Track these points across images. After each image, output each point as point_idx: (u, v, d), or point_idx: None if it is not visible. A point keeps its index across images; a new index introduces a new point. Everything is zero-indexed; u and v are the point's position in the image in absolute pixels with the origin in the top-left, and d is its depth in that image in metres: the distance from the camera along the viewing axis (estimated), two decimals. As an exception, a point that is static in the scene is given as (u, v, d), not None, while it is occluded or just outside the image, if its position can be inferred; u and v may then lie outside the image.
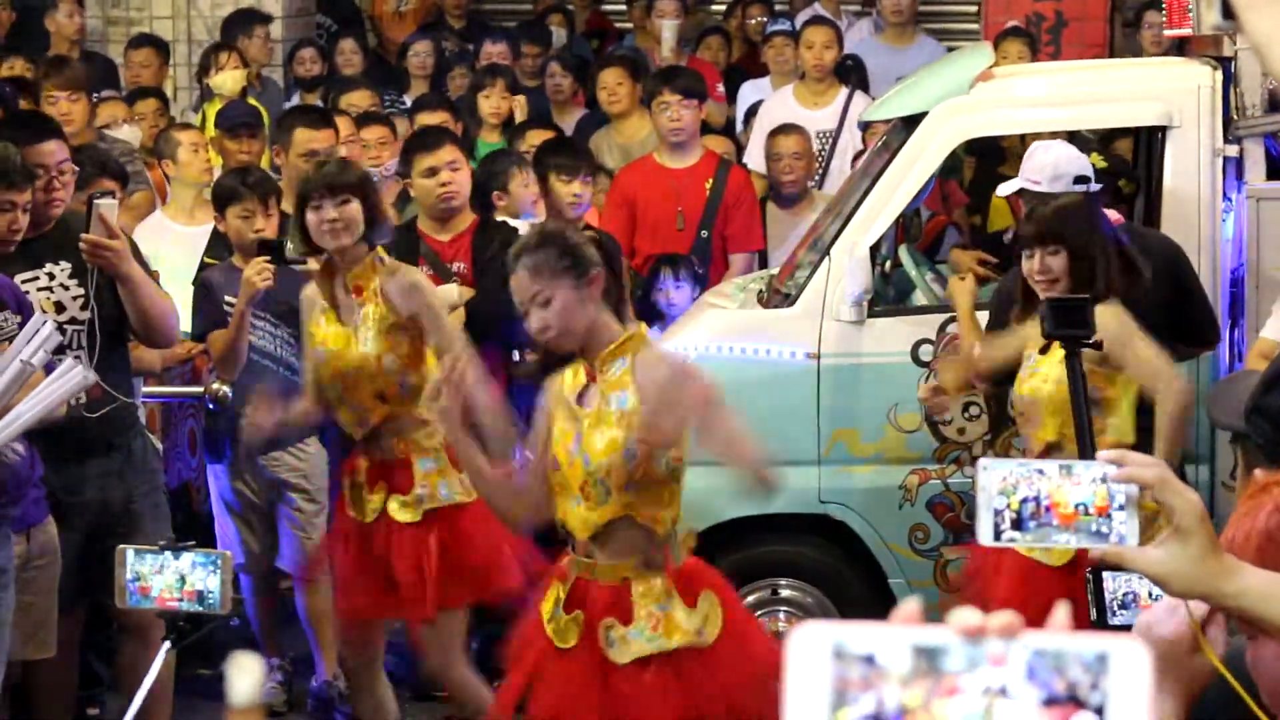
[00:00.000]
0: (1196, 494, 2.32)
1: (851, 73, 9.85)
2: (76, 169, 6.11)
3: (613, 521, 4.80)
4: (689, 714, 4.79)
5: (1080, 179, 6.30)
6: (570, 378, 4.90)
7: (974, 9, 11.77)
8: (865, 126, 8.59)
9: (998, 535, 2.28)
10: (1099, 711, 1.32)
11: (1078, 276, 5.62)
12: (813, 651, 1.34)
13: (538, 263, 4.80)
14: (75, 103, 8.51)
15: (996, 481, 2.26)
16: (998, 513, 2.27)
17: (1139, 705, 1.31)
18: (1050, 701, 1.33)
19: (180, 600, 3.40)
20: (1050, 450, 5.50)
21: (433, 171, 7.21)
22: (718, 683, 4.79)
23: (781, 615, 6.71)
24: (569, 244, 4.89)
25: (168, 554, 3.34)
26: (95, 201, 5.76)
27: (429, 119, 8.70)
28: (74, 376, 5.08)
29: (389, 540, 5.89)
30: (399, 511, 5.88)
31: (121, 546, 3.29)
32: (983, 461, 2.29)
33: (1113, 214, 6.37)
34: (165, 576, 3.32)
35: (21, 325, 5.32)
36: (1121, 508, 2.27)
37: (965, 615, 1.34)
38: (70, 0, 10.78)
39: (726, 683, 4.79)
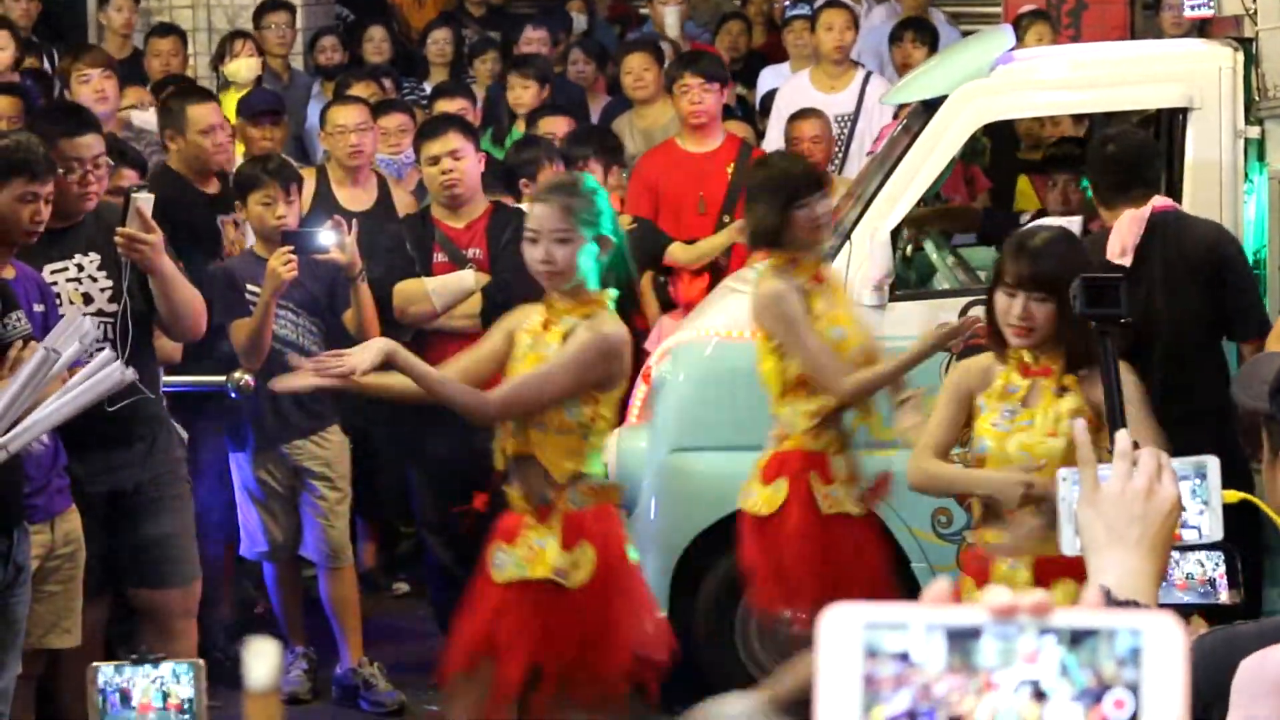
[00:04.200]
0: None
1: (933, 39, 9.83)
2: (111, 163, 6.12)
3: (519, 456, 5.25)
4: (538, 646, 5.23)
5: None
6: (531, 320, 5.32)
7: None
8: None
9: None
10: (1134, 689, 1.32)
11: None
12: (844, 639, 1.34)
13: (571, 206, 5.25)
14: (108, 79, 8.53)
15: (1076, 495, 2.27)
16: None
17: (1175, 683, 1.31)
18: (1083, 695, 1.33)
19: (164, 710, 3.34)
20: (1049, 515, 4.98)
21: (434, 160, 7.25)
22: (571, 627, 5.23)
23: (805, 600, 6.70)
24: (600, 204, 5.34)
25: (146, 665, 3.30)
26: (132, 195, 5.78)
27: (448, 107, 8.71)
28: (113, 374, 5.09)
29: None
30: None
31: (94, 665, 3.25)
32: (1062, 472, 2.30)
33: (1164, 200, 6.32)
34: (146, 686, 3.29)
35: (44, 317, 5.33)
36: (1201, 512, 2.30)
37: (997, 594, 1.34)
38: None
39: (581, 629, 5.24)
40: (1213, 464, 2.51)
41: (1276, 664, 2.27)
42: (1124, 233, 6.25)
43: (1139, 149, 6.46)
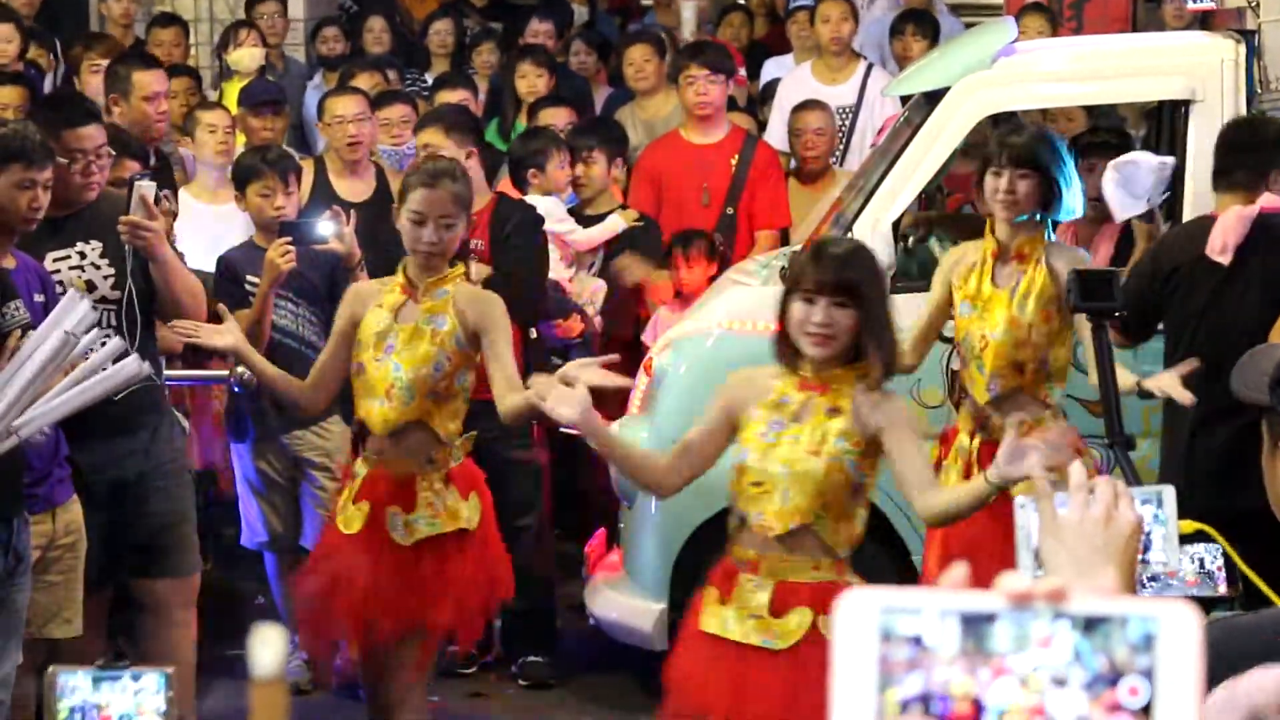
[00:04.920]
0: None
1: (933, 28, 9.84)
2: (113, 153, 6.13)
3: (409, 423, 5.58)
4: (447, 590, 5.62)
5: None
6: (387, 297, 5.66)
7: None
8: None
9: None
10: (1148, 675, 1.32)
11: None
12: (860, 624, 1.34)
13: (457, 193, 5.66)
14: None
15: (1035, 522, 2.27)
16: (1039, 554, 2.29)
17: (1189, 671, 1.30)
18: (1096, 681, 1.33)
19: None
20: (793, 536, 4.83)
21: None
22: (478, 570, 5.68)
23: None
24: (470, 190, 5.86)
25: (126, 675, 3.25)
26: (136, 183, 5.81)
27: (449, 98, 8.71)
28: (127, 366, 5.09)
29: None
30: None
31: (53, 670, 3.22)
32: (1020, 500, 2.29)
33: (1276, 200, 6.19)
34: (123, 699, 3.25)
35: (44, 307, 5.33)
36: (1165, 538, 2.31)
37: (1013, 580, 1.34)
38: None
39: (480, 570, 5.69)
40: (1168, 492, 2.51)
41: (1246, 693, 2.28)
42: (1227, 230, 6.08)
43: (1243, 136, 6.28)
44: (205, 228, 7.64)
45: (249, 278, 6.89)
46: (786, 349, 4.89)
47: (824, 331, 4.78)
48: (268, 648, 2.61)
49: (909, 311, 6.59)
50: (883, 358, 4.82)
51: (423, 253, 5.63)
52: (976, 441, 5.93)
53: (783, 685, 4.72)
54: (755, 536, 4.83)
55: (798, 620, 4.78)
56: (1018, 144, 5.99)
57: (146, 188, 5.80)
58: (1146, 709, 1.32)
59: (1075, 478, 2.23)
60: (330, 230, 6.72)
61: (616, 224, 7.84)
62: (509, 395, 5.44)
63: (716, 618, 4.87)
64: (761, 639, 4.79)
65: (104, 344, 5.28)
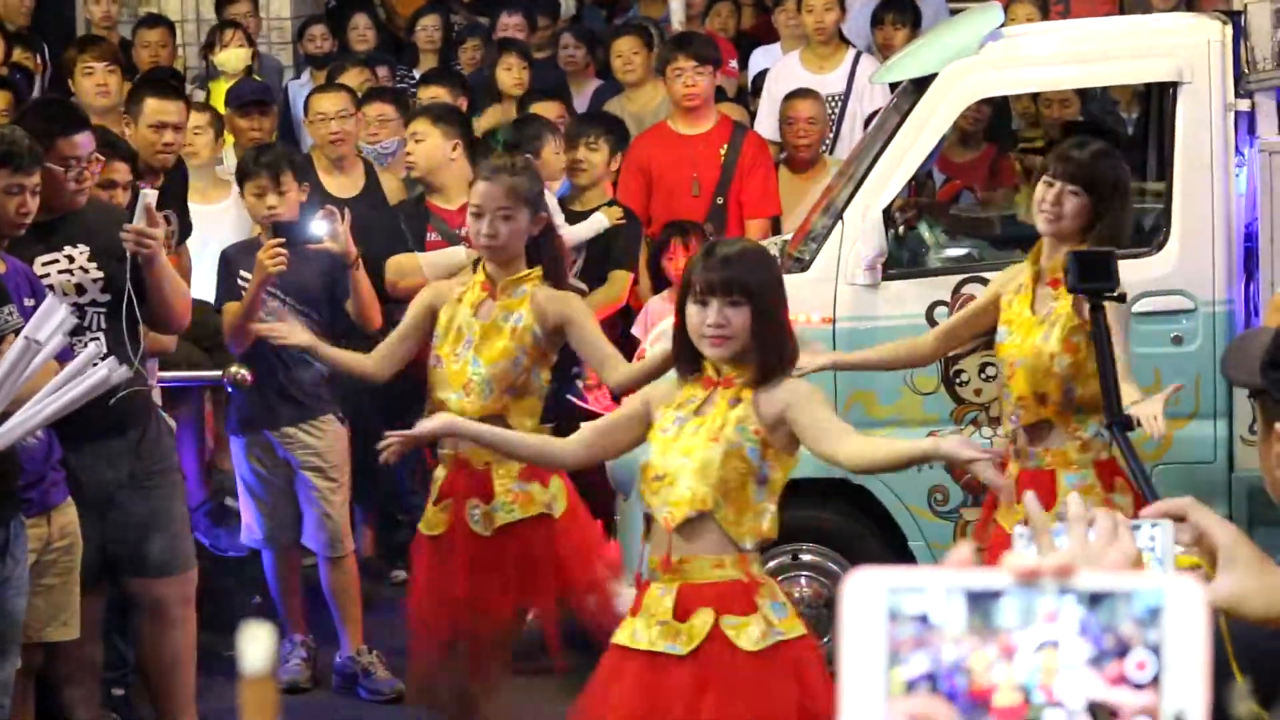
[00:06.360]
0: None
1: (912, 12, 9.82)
2: (102, 159, 6.13)
3: (488, 417, 5.54)
4: (529, 573, 5.74)
5: None
6: (468, 294, 5.74)
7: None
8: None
9: None
10: (1155, 650, 1.32)
11: None
12: (868, 604, 1.34)
13: (515, 185, 5.67)
14: (112, 74, 8.45)
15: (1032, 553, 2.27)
16: None
17: (1196, 644, 1.30)
18: (1103, 656, 1.33)
19: None
20: (693, 527, 4.76)
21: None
22: (557, 551, 5.76)
23: (803, 580, 6.71)
24: (540, 185, 5.88)
25: None
26: (141, 192, 5.87)
27: (437, 93, 8.71)
28: (100, 370, 5.08)
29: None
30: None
31: None
32: (1018, 529, 2.29)
33: None
34: None
35: (32, 311, 5.33)
36: (1160, 562, 2.32)
37: (1019, 558, 1.34)
38: None
39: (563, 551, 5.77)
40: (1165, 526, 2.51)
41: None
42: None
43: None
44: (196, 226, 7.63)
45: (243, 272, 6.89)
46: (686, 356, 4.85)
47: (720, 332, 4.72)
48: (257, 644, 2.61)
49: (902, 298, 6.62)
50: (775, 355, 4.76)
51: (481, 246, 5.71)
52: (1015, 468, 5.71)
53: (690, 688, 4.69)
54: (661, 534, 4.79)
55: (701, 621, 4.73)
56: (1078, 159, 5.70)
57: (150, 196, 5.85)
58: (1154, 682, 1.32)
59: (1073, 509, 2.21)
60: (324, 230, 6.71)
61: (601, 223, 7.83)
62: (617, 368, 5.64)
63: (627, 629, 4.86)
64: (666, 644, 4.74)
65: (85, 345, 5.28)
